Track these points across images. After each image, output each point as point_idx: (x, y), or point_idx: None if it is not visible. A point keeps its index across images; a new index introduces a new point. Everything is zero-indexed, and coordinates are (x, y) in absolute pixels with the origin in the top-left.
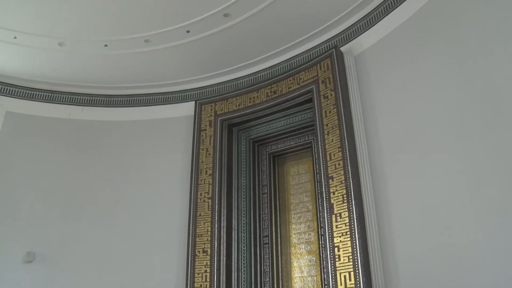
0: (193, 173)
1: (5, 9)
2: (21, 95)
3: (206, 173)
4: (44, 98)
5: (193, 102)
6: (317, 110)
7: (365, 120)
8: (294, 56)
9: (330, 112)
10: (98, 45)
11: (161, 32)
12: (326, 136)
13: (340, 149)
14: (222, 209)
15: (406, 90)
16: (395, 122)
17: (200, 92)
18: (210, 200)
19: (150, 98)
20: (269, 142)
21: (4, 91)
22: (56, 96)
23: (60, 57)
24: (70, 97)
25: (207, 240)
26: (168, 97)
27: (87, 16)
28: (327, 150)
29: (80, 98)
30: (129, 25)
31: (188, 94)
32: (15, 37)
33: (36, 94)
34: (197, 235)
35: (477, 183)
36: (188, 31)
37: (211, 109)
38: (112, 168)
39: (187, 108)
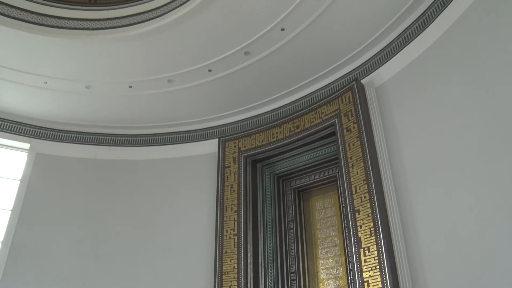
0: (218, 210)
1: (37, 57)
2: (50, 137)
3: (231, 210)
4: (72, 139)
5: (217, 139)
6: (341, 143)
7: (389, 152)
8: (315, 91)
9: (353, 145)
10: (123, 87)
11: (184, 72)
12: (350, 169)
13: (365, 182)
14: (248, 246)
15: (429, 120)
16: (420, 153)
17: (223, 129)
18: (236, 237)
19: (174, 137)
20: (294, 176)
21: (35, 134)
22: (83, 137)
23: (87, 99)
24: (97, 138)
25: (234, 278)
26: (192, 135)
27: (113, 60)
28: (352, 183)
29: (106, 139)
30: (153, 67)
31: (212, 132)
32: (46, 82)
33: (64, 135)
34: (224, 273)
35: (508, 214)
36: (210, 70)
37: (235, 146)
38: (137, 206)
39: (211, 146)
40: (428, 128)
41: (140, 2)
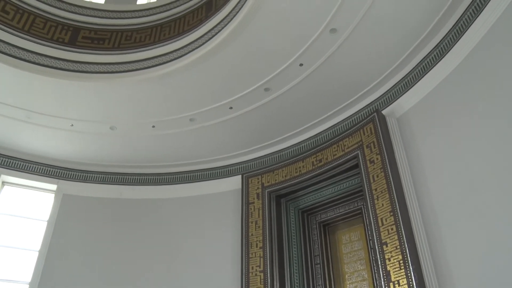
0: (243, 246)
1: (64, 101)
2: (76, 178)
3: (256, 246)
4: (97, 179)
5: (240, 175)
6: (364, 176)
7: (414, 182)
8: (336, 123)
9: (377, 176)
10: (146, 127)
11: (205, 111)
12: (376, 201)
13: (391, 214)
14: (275, 283)
15: (454, 148)
16: (447, 182)
17: (246, 166)
18: (262, 274)
19: (197, 175)
20: (318, 210)
21: (62, 175)
22: (108, 177)
23: (111, 140)
24: (122, 178)
25: None
26: (215, 172)
27: (136, 101)
28: (378, 215)
29: (130, 178)
30: (175, 106)
31: (234, 168)
32: (72, 125)
33: (90, 176)
34: None
35: None
36: (231, 108)
37: (258, 182)
38: (162, 245)
39: (234, 182)
40: (454, 157)
41: (161, 44)
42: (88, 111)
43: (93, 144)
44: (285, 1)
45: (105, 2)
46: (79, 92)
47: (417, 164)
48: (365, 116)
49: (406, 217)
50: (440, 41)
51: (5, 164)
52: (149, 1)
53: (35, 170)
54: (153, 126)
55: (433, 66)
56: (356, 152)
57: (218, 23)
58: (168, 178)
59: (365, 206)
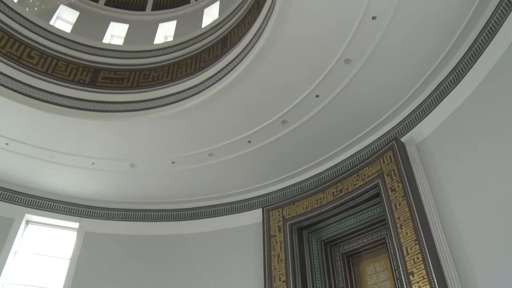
0: (266, 280)
1: (86, 140)
2: (98, 215)
3: (279, 280)
4: (118, 217)
5: (260, 209)
6: (386, 204)
7: (438, 209)
8: (355, 153)
9: (399, 204)
10: (166, 163)
11: (224, 145)
12: (399, 229)
13: (416, 242)
14: None
15: (476, 172)
16: (472, 208)
17: (266, 199)
18: None
19: (218, 209)
20: (341, 241)
21: (83, 213)
22: (129, 214)
23: (132, 177)
24: (142, 214)
25: None
26: (235, 206)
27: (155, 138)
28: (402, 244)
29: (151, 214)
30: (194, 142)
31: (255, 202)
32: (93, 163)
33: (111, 213)
34: None
35: None
36: (249, 141)
37: (279, 214)
38: (185, 280)
39: (255, 216)
40: (477, 181)
41: (178, 81)
42: (108, 149)
43: (114, 181)
44: (298, 34)
45: (123, 43)
46: (100, 131)
47: (440, 191)
48: (384, 144)
49: (432, 245)
50: (455, 66)
51: (29, 203)
52: (165, 40)
53: (58, 209)
54: (173, 162)
55: (450, 91)
56: (376, 181)
57: (234, 59)
58: (188, 213)
59: (388, 236)
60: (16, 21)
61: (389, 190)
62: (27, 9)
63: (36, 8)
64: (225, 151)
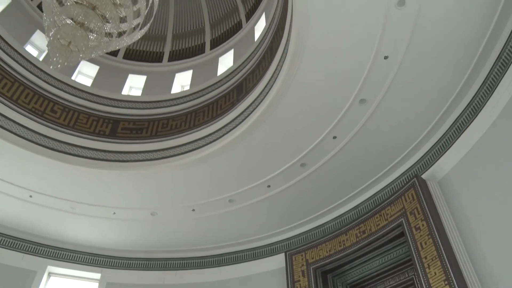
0: None
1: (107, 190)
2: (119, 265)
3: None
4: (140, 266)
5: (283, 253)
6: (412, 244)
7: (466, 246)
8: (376, 192)
9: (425, 243)
10: (187, 211)
11: (244, 191)
12: (427, 269)
13: (446, 282)
14: None
15: (503, 205)
16: (501, 242)
17: (288, 243)
18: None
19: (239, 256)
20: (367, 284)
21: (105, 263)
22: (151, 264)
23: (153, 226)
24: (164, 263)
25: None
26: (257, 252)
27: (175, 186)
28: (432, 285)
29: (173, 263)
30: (213, 189)
31: (277, 247)
32: (114, 213)
33: (132, 263)
34: None
35: None
36: (269, 186)
37: (302, 259)
38: None
39: (278, 261)
40: (505, 215)
41: (196, 129)
42: (129, 198)
43: (135, 231)
44: (312, 77)
45: (142, 94)
46: (120, 181)
47: (466, 227)
48: (405, 182)
49: (463, 284)
50: (471, 100)
51: (51, 255)
52: (182, 89)
53: (80, 260)
54: (193, 210)
55: (468, 125)
56: (400, 220)
57: (250, 105)
58: (210, 261)
59: (416, 276)
60: (41, 78)
61: (414, 229)
62: (51, 67)
63: (59, 65)
64: (245, 197)
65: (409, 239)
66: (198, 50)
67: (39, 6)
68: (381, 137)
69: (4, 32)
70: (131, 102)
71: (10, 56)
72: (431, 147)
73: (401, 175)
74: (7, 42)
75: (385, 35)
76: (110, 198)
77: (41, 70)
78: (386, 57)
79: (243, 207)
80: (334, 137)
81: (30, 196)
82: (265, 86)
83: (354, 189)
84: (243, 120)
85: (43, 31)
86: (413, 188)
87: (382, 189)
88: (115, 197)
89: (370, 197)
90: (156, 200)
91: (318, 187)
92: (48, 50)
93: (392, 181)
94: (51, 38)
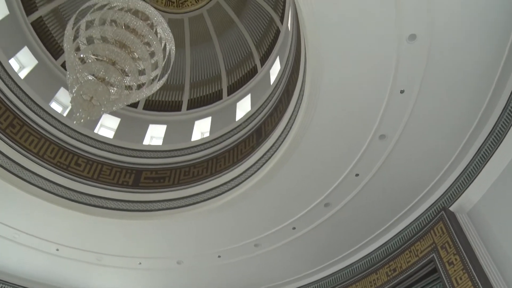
0: None
1: (132, 241)
2: None
3: None
4: None
5: None
6: (446, 280)
7: (504, 277)
8: (404, 228)
9: (460, 278)
10: (212, 257)
11: (269, 234)
12: None
13: None
14: None
15: None
16: None
17: (316, 286)
18: None
19: None
20: None
21: None
22: None
23: (179, 274)
24: None
25: None
26: None
27: (200, 233)
28: None
29: None
30: (238, 234)
31: None
32: (140, 263)
33: None
34: None
35: None
36: (294, 228)
37: None
38: None
39: None
40: None
41: (218, 175)
42: (154, 248)
43: (161, 280)
44: (330, 116)
45: (162, 143)
46: (145, 231)
47: (502, 257)
48: (433, 215)
49: None
50: (494, 125)
51: None
52: (202, 137)
53: None
54: (219, 256)
55: (494, 152)
56: (431, 256)
57: (270, 148)
58: None
59: None
60: (65, 133)
61: (446, 264)
62: (74, 122)
63: (82, 120)
64: (271, 240)
65: (442, 275)
66: (216, 96)
67: (63, 65)
68: (405, 171)
69: (31, 91)
70: (152, 151)
71: (36, 113)
72: (457, 178)
73: (428, 208)
74: (34, 100)
75: (399, 70)
76: (135, 248)
77: (65, 125)
78: (402, 91)
79: (269, 250)
80: (357, 175)
81: (57, 250)
82: (284, 129)
83: (381, 226)
84: (263, 163)
85: (66, 88)
86: (442, 221)
87: (409, 224)
88: (140, 247)
89: (398, 233)
90: (181, 248)
91: (344, 226)
92: (71, 105)
93: (419, 216)
94: (74, 94)
